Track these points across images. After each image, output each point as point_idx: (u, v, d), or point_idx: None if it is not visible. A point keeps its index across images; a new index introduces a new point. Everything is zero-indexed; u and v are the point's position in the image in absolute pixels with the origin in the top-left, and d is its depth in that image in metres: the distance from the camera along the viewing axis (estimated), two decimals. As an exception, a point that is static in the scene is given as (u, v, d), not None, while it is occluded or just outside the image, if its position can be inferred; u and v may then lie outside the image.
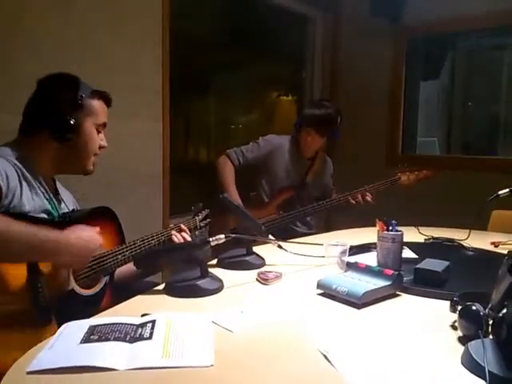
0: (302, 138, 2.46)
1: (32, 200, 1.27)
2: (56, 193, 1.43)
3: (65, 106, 1.33)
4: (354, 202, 2.30)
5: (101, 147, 1.44)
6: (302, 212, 2.30)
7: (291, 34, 3.62)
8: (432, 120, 3.84)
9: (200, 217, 1.70)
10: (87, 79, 1.42)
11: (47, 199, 1.34)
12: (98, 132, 1.43)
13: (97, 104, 1.40)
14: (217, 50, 3.07)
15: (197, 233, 1.66)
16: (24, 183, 1.26)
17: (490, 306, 0.93)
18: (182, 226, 1.59)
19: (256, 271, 1.42)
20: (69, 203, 1.47)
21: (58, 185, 1.47)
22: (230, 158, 2.39)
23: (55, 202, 1.38)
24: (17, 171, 1.24)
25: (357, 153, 3.27)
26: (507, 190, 1.87)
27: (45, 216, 1.31)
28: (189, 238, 1.58)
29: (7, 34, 1.78)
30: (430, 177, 2.47)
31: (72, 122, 1.32)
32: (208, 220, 1.72)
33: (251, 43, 3.30)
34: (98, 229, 1.27)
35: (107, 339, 0.91)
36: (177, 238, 1.55)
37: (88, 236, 1.21)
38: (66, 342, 0.91)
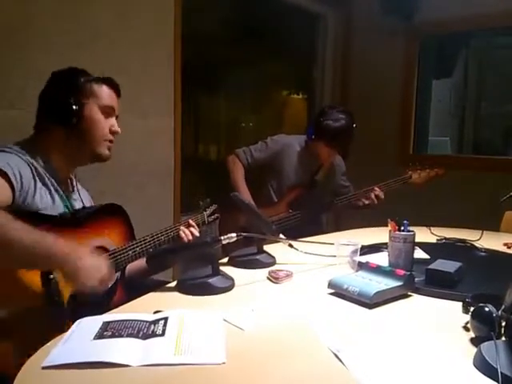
0: (314, 146, 2.39)
1: (45, 197, 1.28)
2: (72, 191, 1.44)
3: (64, 91, 1.32)
4: (366, 201, 2.30)
5: (113, 132, 1.41)
6: (312, 211, 2.30)
7: (302, 32, 3.61)
8: (444, 119, 3.81)
9: (208, 212, 1.70)
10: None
11: (61, 197, 1.35)
12: (107, 115, 1.39)
13: (99, 87, 1.37)
14: (227, 48, 3.07)
15: (204, 228, 1.65)
16: (38, 180, 1.27)
17: (502, 307, 0.92)
18: (190, 222, 1.59)
19: (267, 270, 1.43)
20: (85, 202, 1.48)
21: (77, 183, 1.48)
22: (239, 157, 2.40)
23: (69, 200, 1.40)
24: (30, 168, 1.25)
25: (368, 152, 3.25)
26: (520, 190, 1.85)
27: (58, 213, 1.32)
28: (197, 233, 1.58)
29: (20, 32, 1.79)
30: (441, 175, 2.44)
31: (74, 106, 1.31)
32: (216, 215, 1.72)
33: (262, 41, 3.30)
34: (106, 260, 1.23)
35: (120, 335, 0.92)
36: (184, 233, 1.55)
37: (94, 264, 1.17)
38: (80, 338, 0.92)
